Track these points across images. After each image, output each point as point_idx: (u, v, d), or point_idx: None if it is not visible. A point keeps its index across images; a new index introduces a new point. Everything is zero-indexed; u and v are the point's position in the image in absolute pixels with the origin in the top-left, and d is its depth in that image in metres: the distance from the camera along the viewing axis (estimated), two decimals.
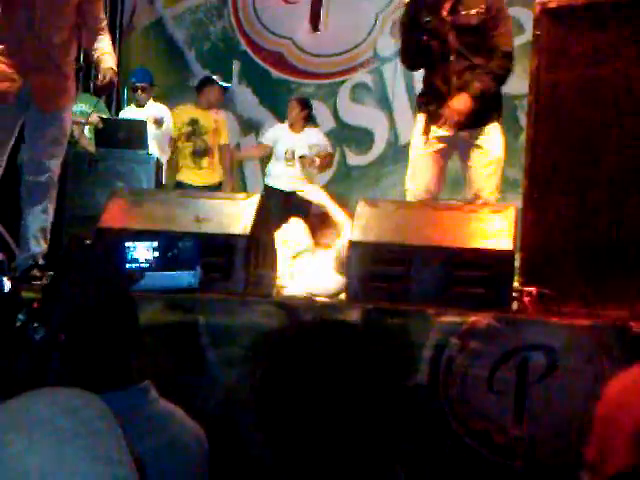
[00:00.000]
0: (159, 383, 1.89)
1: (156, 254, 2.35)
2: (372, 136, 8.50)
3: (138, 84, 7.40)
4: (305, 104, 7.72)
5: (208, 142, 7.53)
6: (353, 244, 3.87)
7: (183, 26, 9.13)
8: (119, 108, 8.05)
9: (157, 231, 3.95)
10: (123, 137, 6.70)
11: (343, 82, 8.70)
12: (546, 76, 4.06)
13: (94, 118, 6.81)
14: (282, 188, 7.36)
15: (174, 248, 2.40)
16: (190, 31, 9.11)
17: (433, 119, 4.72)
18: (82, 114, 6.80)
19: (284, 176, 7.45)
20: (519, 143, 8.26)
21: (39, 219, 4.38)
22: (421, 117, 4.83)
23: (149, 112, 7.24)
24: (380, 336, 2.83)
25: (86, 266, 1.77)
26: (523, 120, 8.24)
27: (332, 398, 1.46)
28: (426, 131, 4.75)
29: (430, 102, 4.76)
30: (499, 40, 4.64)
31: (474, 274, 3.73)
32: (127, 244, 2.27)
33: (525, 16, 7.42)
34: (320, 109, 8.71)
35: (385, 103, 8.44)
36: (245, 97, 8.62)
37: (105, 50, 4.41)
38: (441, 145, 4.73)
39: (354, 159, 8.60)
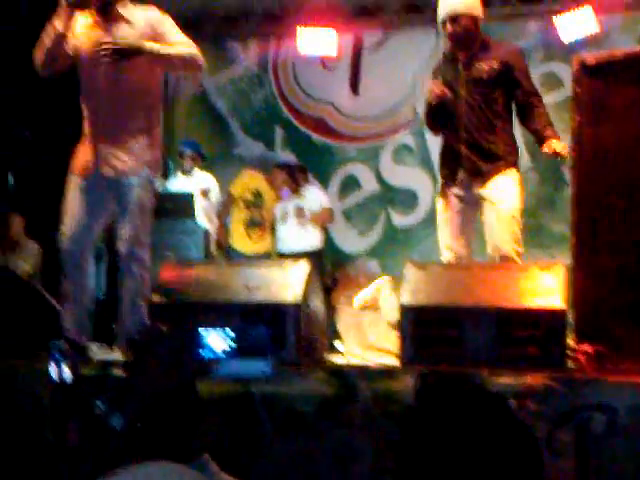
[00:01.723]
0: (217, 456, 1.90)
1: (230, 342, 2.37)
2: (416, 197, 8.53)
3: (186, 152, 7.53)
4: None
5: (264, 216, 7.62)
6: (403, 308, 3.88)
7: (226, 96, 9.31)
8: (165, 178, 8.18)
9: (209, 301, 4.00)
10: (171, 208, 6.79)
11: (385, 144, 8.77)
12: (588, 131, 4.07)
13: None
14: (286, 250, 7.35)
15: (247, 336, 2.42)
16: (233, 100, 9.29)
17: (450, 180, 4.74)
18: None
19: (284, 236, 7.47)
20: (564, 198, 8.27)
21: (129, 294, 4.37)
22: (440, 180, 4.87)
23: (196, 181, 7.36)
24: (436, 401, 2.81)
25: (163, 355, 1.81)
26: (567, 175, 8.28)
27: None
28: (443, 193, 4.78)
29: (445, 164, 4.80)
30: (527, 93, 4.67)
31: (526, 334, 3.71)
32: (201, 331, 2.30)
33: (563, 71, 7.48)
34: (362, 172, 8.80)
35: (428, 163, 8.48)
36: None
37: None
38: (460, 205, 4.73)
39: (399, 220, 8.63)
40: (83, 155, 4.32)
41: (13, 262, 6.93)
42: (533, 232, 7.68)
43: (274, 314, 3.88)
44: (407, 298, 3.92)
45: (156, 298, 4.04)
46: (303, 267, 4.15)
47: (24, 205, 6.87)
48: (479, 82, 4.63)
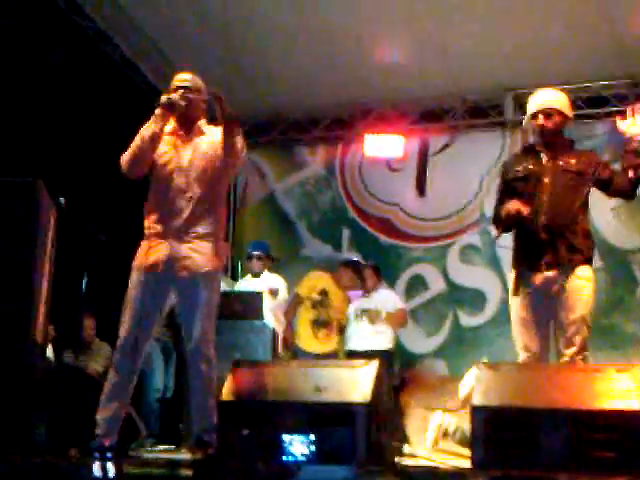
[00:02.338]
0: None
1: (312, 447, 2.34)
2: (484, 297, 8.48)
3: (254, 253, 7.63)
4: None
5: (331, 316, 7.64)
6: (476, 409, 3.81)
7: (293, 198, 9.49)
8: (234, 280, 8.28)
9: (278, 402, 3.99)
10: (240, 308, 6.86)
11: (451, 244, 8.79)
12: None
13: None
14: (356, 348, 7.32)
15: (330, 442, 2.40)
16: (300, 203, 9.46)
17: (527, 270, 4.68)
18: None
19: (355, 335, 7.45)
20: (636, 298, 8.14)
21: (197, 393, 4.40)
22: (511, 274, 4.79)
23: (265, 282, 7.43)
24: None
25: (244, 460, 1.80)
26: (638, 274, 8.17)
27: None
28: (515, 289, 4.71)
29: (523, 253, 4.73)
30: (614, 181, 4.68)
31: (603, 437, 3.60)
32: (284, 437, 2.28)
33: None
34: (429, 272, 8.80)
35: (495, 263, 8.45)
36: None
37: None
38: (534, 303, 4.63)
39: (467, 320, 8.56)
40: (149, 252, 4.40)
41: (84, 362, 7.05)
42: (605, 332, 7.57)
43: (344, 415, 3.84)
44: (479, 399, 3.85)
45: (225, 398, 4.04)
46: (373, 367, 4.12)
47: (96, 306, 7.02)
48: (566, 173, 4.64)
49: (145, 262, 4.35)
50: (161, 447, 6.21)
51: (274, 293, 7.29)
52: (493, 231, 8.11)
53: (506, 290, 8.05)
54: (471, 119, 9.02)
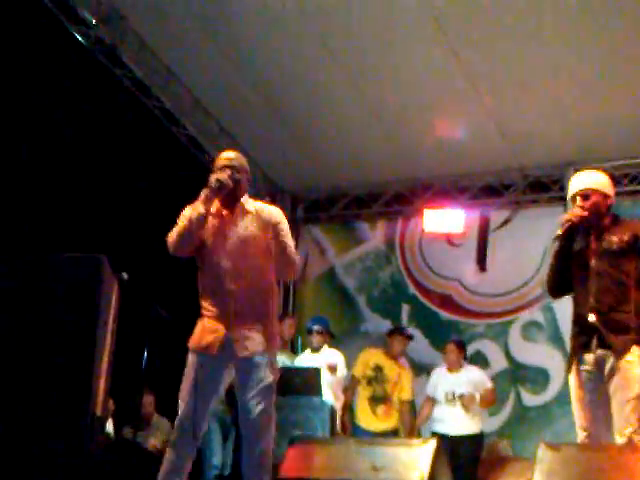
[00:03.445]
0: None
1: None
2: (547, 375, 8.32)
3: (314, 327, 7.64)
4: (462, 345, 7.73)
5: (388, 390, 7.59)
6: None
7: (353, 274, 9.51)
8: (294, 354, 8.28)
9: None
10: (299, 384, 6.84)
11: (513, 321, 8.68)
12: None
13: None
14: (447, 432, 7.21)
15: None
16: (360, 278, 9.47)
17: (580, 352, 4.60)
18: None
19: (448, 419, 7.35)
20: None
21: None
22: (569, 353, 4.74)
23: (324, 358, 7.41)
24: None
25: None
26: None
27: None
28: (569, 368, 4.64)
29: (576, 335, 4.68)
30: None
31: None
32: None
33: None
34: (491, 349, 8.69)
35: (558, 340, 8.31)
36: (415, 339, 8.70)
37: None
38: (590, 383, 4.54)
39: (530, 399, 8.41)
40: (203, 334, 4.45)
41: (143, 438, 7.07)
42: None
43: None
44: (541, 479, 3.77)
45: (283, 475, 4.03)
46: (430, 446, 4.07)
47: (156, 383, 7.08)
48: (609, 253, 4.61)
49: (199, 343, 4.41)
50: None
51: (333, 369, 7.25)
52: (559, 307, 8.12)
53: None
54: (532, 194, 8.99)
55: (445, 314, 8.99)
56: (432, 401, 7.52)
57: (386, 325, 8.60)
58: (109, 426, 7.26)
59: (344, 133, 8.49)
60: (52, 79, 7.00)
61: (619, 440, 4.38)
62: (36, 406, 4.40)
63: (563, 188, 8.81)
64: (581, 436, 4.50)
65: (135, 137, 7.83)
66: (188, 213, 4.44)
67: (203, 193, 4.43)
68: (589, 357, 4.54)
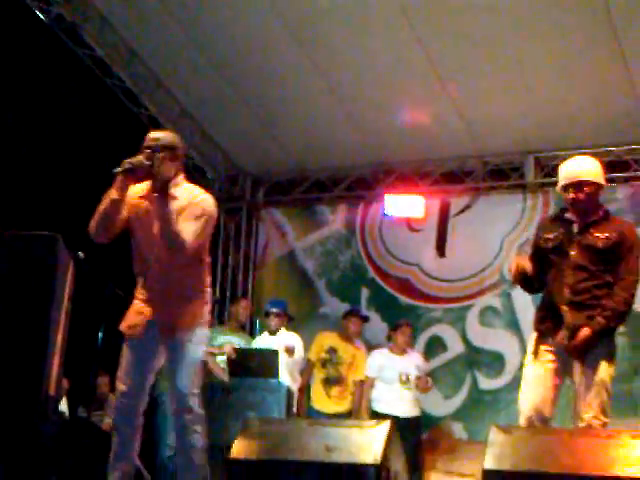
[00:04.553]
0: None
1: None
2: (503, 360, 8.40)
3: (272, 310, 7.64)
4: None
5: (342, 372, 7.62)
6: (488, 473, 3.76)
7: (313, 257, 9.51)
8: (252, 337, 8.28)
9: (287, 461, 3.97)
10: (255, 366, 6.86)
11: (471, 306, 8.74)
12: None
13: (228, 349, 7.05)
14: (394, 414, 7.21)
15: None
16: (320, 261, 9.48)
17: (545, 337, 4.65)
18: (220, 346, 7.10)
19: (397, 400, 7.39)
20: None
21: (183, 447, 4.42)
22: (533, 335, 4.75)
23: (281, 340, 7.42)
24: None
25: None
26: None
27: None
28: (535, 350, 4.67)
29: (545, 319, 4.70)
30: (623, 271, 4.61)
31: None
32: None
33: None
34: (448, 333, 8.75)
35: (515, 325, 8.40)
36: (374, 323, 8.73)
37: None
38: (551, 364, 4.60)
39: (485, 383, 8.48)
40: (132, 316, 4.49)
41: (98, 418, 7.05)
42: (626, 399, 7.45)
43: (353, 475, 3.81)
44: (491, 463, 3.80)
45: (235, 455, 4.02)
46: (384, 428, 4.09)
47: (111, 363, 7.04)
48: (592, 249, 4.58)
49: (126, 326, 4.46)
50: None
51: (290, 351, 7.27)
52: (516, 293, 8.18)
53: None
54: (492, 181, 9.05)
55: (404, 298, 9.02)
56: (372, 381, 7.55)
57: (345, 308, 8.61)
58: (63, 405, 7.22)
59: (307, 116, 8.47)
60: (12, 57, 6.91)
61: (579, 424, 4.43)
62: None
63: (523, 176, 8.89)
64: (528, 414, 4.52)
65: (95, 116, 7.75)
66: (104, 199, 4.40)
67: (113, 175, 4.35)
68: (553, 341, 4.57)
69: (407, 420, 7.20)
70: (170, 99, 8.44)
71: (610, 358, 4.55)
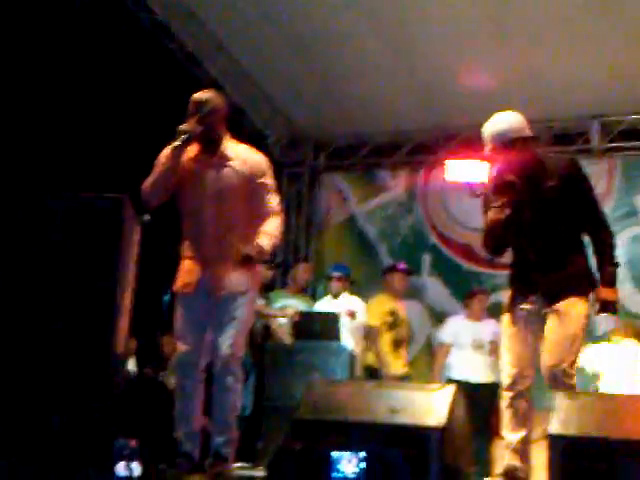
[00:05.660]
0: None
1: (362, 465, 2.30)
2: None
3: (334, 274, 7.67)
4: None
5: (405, 333, 7.66)
6: (552, 438, 3.73)
7: (374, 222, 9.50)
8: (314, 300, 8.31)
9: (350, 422, 3.99)
10: (318, 329, 6.90)
11: None
12: None
13: (290, 312, 7.11)
14: (468, 379, 7.23)
15: (380, 460, 2.37)
16: (381, 226, 9.46)
17: (519, 297, 4.47)
18: (282, 309, 7.17)
19: (471, 366, 7.38)
20: None
21: (220, 407, 4.48)
22: (508, 292, 4.59)
23: (343, 304, 7.45)
24: None
25: (293, 474, 1.81)
26: None
27: None
28: (509, 308, 4.52)
29: (515, 280, 4.54)
30: (591, 212, 4.43)
31: None
32: (333, 454, 2.26)
33: None
34: None
35: None
36: (436, 289, 8.71)
37: (265, 230, 4.54)
38: (526, 320, 4.40)
39: None
40: (184, 274, 4.55)
41: (164, 377, 7.16)
42: None
43: (416, 438, 3.81)
44: (556, 428, 3.78)
45: (300, 416, 4.05)
46: (449, 391, 4.08)
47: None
48: (542, 202, 4.37)
49: (179, 284, 4.53)
50: (238, 464, 6.26)
51: (352, 314, 7.29)
52: None
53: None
54: (557, 146, 8.90)
55: (466, 264, 8.97)
56: (447, 348, 7.55)
57: None
58: (131, 364, 7.37)
59: (369, 81, 8.42)
60: (77, 22, 6.97)
61: (547, 373, 4.27)
62: (58, 345, 4.44)
63: (588, 140, 8.73)
64: (510, 372, 4.40)
65: (157, 80, 7.80)
66: (158, 163, 4.44)
67: (171, 145, 4.39)
68: (528, 301, 4.42)
69: (480, 386, 7.15)
70: (232, 63, 8.45)
71: (584, 314, 4.38)
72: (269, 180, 4.58)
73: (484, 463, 6.10)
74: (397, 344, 7.60)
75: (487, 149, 4.57)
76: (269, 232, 4.53)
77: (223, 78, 8.44)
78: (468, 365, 7.42)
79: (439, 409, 3.97)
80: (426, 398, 4.08)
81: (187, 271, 4.53)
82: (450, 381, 7.20)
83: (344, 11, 7.45)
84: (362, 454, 2.25)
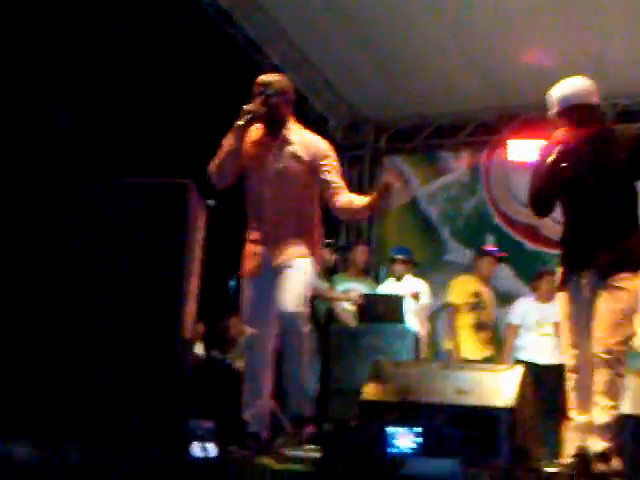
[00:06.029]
0: None
1: (418, 439, 2.31)
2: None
3: (397, 257, 7.66)
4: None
5: (489, 317, 7.57)
6: (624, 417, 3.70)
7: (436, 204, 9.46)
8: (377, 283, 8.31)
9: (417, 403, 3.99)
10: (382, 311, 6.90)
11: None
12: None
13: (354, 295, 7.12)
14: (535, 360, 7.17)
15: (436, 435, 2.38)
16: (443, 208, 9.41)
17: (571, 271, 4.35)
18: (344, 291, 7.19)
19: (537, 347, 7.31)
20: None
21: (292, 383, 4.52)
22: (559, 269, 4.46)
23: (407, 286, 7.44)
24: None
25: (353, 450, 1.83)
26: None
27: None
28: (562, 286, 4.40)
29: (568, 253, 4.44)
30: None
31: None
32: (389, 429, 2.28)
33: None
34: None
35: None
36: (500, 270, 8.62)
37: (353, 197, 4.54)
38: (582, 298, 4.27)
39: None
40: (248, 258, 4.60)
41: (230, 358, 7.25)
42: None
43: (485, 418, 3.81)
44: (628, 407, 3.75)
45: (366, 397, 4.08)
46: (517, 372, 4.07)
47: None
48: (606, 173, 4.22)
49: (244, 269, 4.59)
50: (306, 446, 6.30)
51: (416, 296, 7.28)
52: None
53: None
54: (622, 123, 8.73)
55: (530, 245, 8.88)
56: (516, 329, 7.49)
57: (470, 255, 8.52)
58: (199, 349, 7.46)
59: (429, 62, 8.36)
60: (143, 11, 7.06)
61: (596, 349, 4.17)
62: (127, 329, 4.52)
63: None
64: (572, 353, 4.27)
65: (218, 66, 7.85)
66: (223, 145, 4.47)
67: (235, 125, 4.42)
68: (581, 277, 4.30)
69: (548, 367, 7.06)
70: (292, 48, 8.47)
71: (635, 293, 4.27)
72: (333, 162, 4.58)
73: (553, 445, 6.03)
74: (479, 327, 7.49)
75: (551, 112, 4.46)
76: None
77: (284, 64, 8.46)
78: (535, 346, 7.35)
79: (507, 390, 3.97)
80: (494, 379, 4.07)
81: (250, 255, 4.58)
82: (518, 362, 7.14)
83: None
84: (417, 429, 2.25)
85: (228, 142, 4.46)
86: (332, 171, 4.55)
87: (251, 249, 4.58)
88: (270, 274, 4.51)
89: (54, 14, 6.44)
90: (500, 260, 7.88)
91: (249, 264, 4.58)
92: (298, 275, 4.44)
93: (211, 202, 5.15)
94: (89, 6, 6.72)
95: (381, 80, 8.77)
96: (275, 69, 8.41)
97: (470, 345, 7.47)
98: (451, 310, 7.51)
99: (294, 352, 4.40)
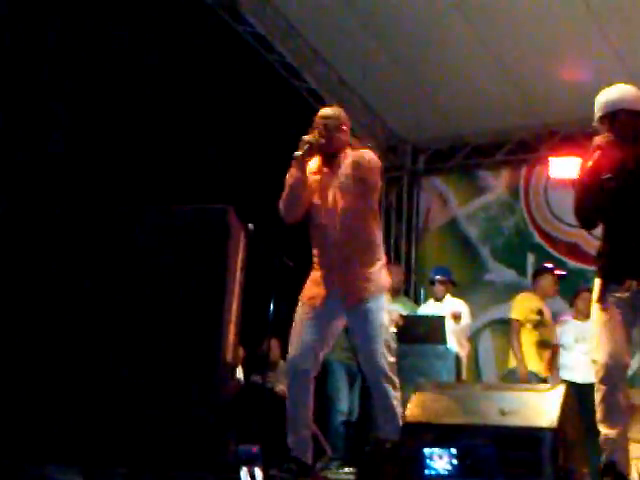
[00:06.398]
0: None
1: (454, 461, 2.30)
2: None
3: (437, 277, 7.64)
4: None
5: (549, 336, 7.46)
6: None
7: (476, 223, 9.43)
8: (417, 304, 8.30)
9: (461, 425, 3.97)
10: (423, 332, 6.88)
11: None
12: None
13: (394, 316, 7.09)
14: (575, 379, 7.07)
15: (473, 456, 2.36)
16: (483, 228, 9.38)
17: (610, 281, 4.25)
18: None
19: (577, 366, 7.23)
20: None
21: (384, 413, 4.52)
22: (597, 281, 4.36)
23: (447, 307, 7.41)
24: None
25: (390, 472, 1.83)
26: None
27: None
28: (600, 297, 4.31)
29: (606, 263, 4.35)
30: None
31: None
32: (426, 450, 2.28)
33: None
34: None
35: None
36: None
37: None
38: (619, 310, 4.22)
39: None
40: (312, 286, 4.60)
41: (271, 382, 7.26)
42: None
43: (529, 439, 3.78)
44: None
45: (409, 419, 4.07)
46: (559, 392, 4.03)
47: (282, 329, 7.24)
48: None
49: (306, 296, 4.59)
50: (346, 469, 6.29)
51: (457, 317, 7.25)
52: None
53: None
54: None
55: (572, 262, 8.81)
56: (556, 348, 7.41)
57: (510, 275, 8.51)
58: (239, 373, 7.48)
59: (466, 81, 8.36)
60: (174, 37, 7.14)
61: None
62: (170, 355, 4.56)
63: None
64: (604, 364, 4.18)
65: (257, 91, 7.92)
66: (288, 180, 4.53)
67: (294, 155, 4.50)
68: (621, 288, 4.21)
69: (586, 386, 6.97)
70: (329, 71, 8.52)
71: None
72: (371, 178, 4.60)
73: (597, 464, 5.94)
74: (542, 345, 7.37)
75: (595, 119, 4.38)
76: None
77: (321, 87, 8.52)
78: (573, 365, 7.26)
79: (551, 410, 3.93)
80: (537, 399, 4.04)
81: (314, 283, 4.60)
82: (562, 382, 7.05)
83: (440, 18, 7.44)
84: (453, 450, 2.24)
85: (291, 175, 4.54)
86: (371, 188, 4.59)
87: (315, 277, 4.61)
88: (333, 307, 4.52)
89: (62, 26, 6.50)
90: (560, 278, 7.76)
91: (312, 293, 4.59)
92: (378, 320, 4.46)
93: (250, 226, 5.20)
94: (131, 34, 6.83)
95: (418, 102, 8.79)
96: (313, 93, 8.50)
97: (534, 362, 7.34)
98: (515, 326, 7.40)
99: (386, 396, 4.45)
